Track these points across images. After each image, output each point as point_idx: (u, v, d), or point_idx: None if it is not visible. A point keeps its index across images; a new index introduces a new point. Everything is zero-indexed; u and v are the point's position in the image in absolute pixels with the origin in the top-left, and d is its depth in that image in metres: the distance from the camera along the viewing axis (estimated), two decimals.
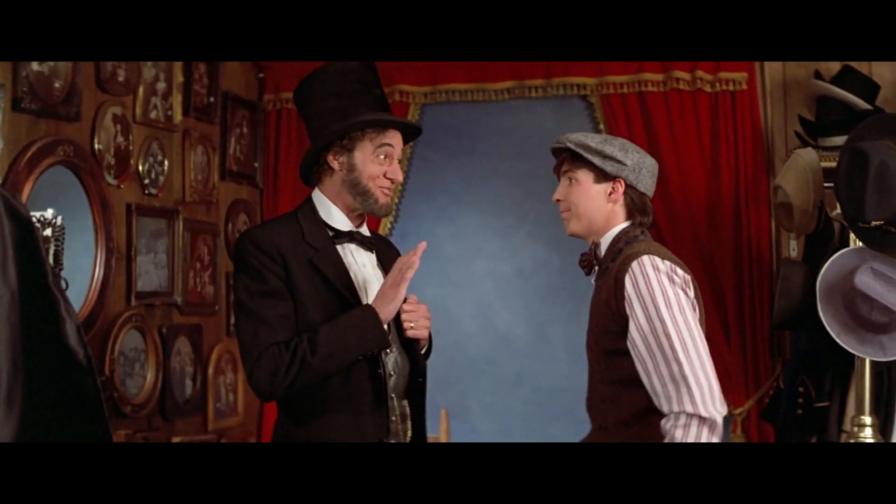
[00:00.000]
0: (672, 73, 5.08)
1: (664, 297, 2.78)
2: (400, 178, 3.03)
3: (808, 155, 4.25)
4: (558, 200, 3.08)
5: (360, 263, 3.02)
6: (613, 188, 2.98)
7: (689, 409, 2.69)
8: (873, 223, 3.57)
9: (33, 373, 2.59)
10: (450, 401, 5.34)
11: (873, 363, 3.83)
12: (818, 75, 4.85)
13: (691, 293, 2.88)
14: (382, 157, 2.96)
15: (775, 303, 4.08)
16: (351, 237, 3.01)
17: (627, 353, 2.84)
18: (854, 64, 4.76)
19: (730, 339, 4.98)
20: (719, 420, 2.72)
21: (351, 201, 2.98)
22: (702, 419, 2.69)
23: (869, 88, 4.68)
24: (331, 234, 2.98)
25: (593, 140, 3.00)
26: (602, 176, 2.98)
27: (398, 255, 3.19)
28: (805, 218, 4.16)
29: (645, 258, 2.83)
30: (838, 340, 3.71)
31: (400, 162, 3.07)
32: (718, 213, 5.03)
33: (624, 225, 3.01)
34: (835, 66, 4.83)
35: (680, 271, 2.86)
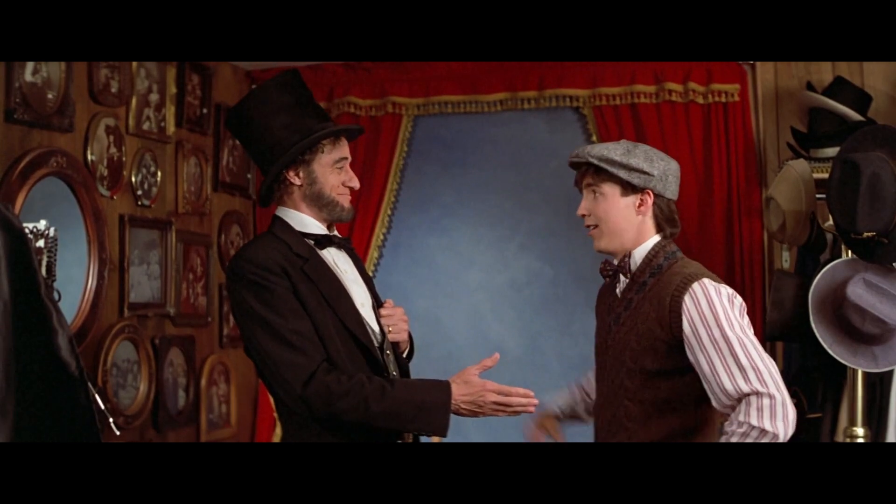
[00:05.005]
0: (664, 84, 5.09)
1: (727, 319, 2.75)
2: (357, 184, 3.05)
3: (800, 166, 4.26)
4: (583, 215, 3.01)
5: (343, 269, 3.03)
6: (642, 200, 2.93)
7: (761, 390, 2.68)
8: (865, 234, 3.57)
9: (25, 384, 2.59)
10: None
11: (865, 374, 3.83)
12: (810, 87, 4.87)
13: (746, 319, 2.85)
14: (340, 167, 2.99)
15: (767, 314, 4.08)
16: (330, 241, 3.02)
17: (669, 374, 2.83)
18: (846, 76, 4.78)
19: None
20: (787, 431, 2.68)
21: (317, 212, 3.00)
22: (765, 432, 2.66)
23: (861, 100, 4.70)
24: (311, 242, 2.98)
25: (616, 152, 2.92)
26: (629, 188, 2.93)
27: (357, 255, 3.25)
28: (797, 229, 4.17)
29: (706, 282, 2.80)
30: (830, 351, 3.71)
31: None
32: (711, 224, 5.04)
33: (657, 238, 2.96)
34: (827, 78, 4.85)
35: (738, 297, 2.84)
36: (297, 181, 2.97)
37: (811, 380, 4.19)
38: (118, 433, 3.17)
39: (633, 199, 2.94)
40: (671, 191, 2.96)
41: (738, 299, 2.83)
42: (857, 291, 3.60)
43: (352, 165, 3.08)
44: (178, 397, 4.79)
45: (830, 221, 3.94)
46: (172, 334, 4.76)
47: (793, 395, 4.20)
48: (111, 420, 3.04)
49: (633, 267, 2.96)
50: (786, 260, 4.93)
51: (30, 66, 3.77)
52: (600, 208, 2.96)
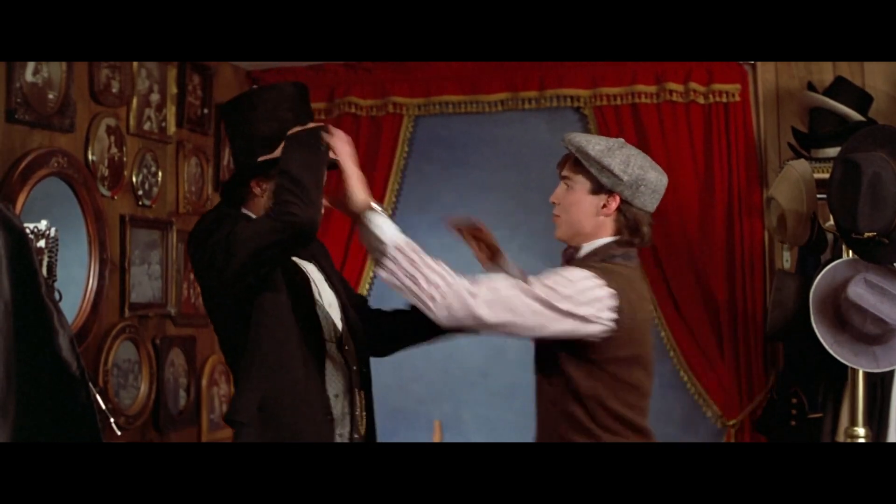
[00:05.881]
0: (665, 84, 5.09)
1: (545, 276, 2.82)
2: None
3: (801, 166, 4.26)
4: (554, 203, 3.01)
5: (306, 269, 3.08)
6: (607, 202, 2.90)
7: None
8: (866, 234, 3.57)
9: (26, 384, 2.59)
10: (444, 412, 5.33)
11: (866, 374, 3.83)
12: (811, 87, 4.87)
13: (592, 328, 2.78)
14: None
15: (768, 314, 4.08)
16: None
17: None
18: (846, 76, 4.78)
19: (723, 351, 4.99)
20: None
21: None
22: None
23: (862, 100, 4.69)
24: None
25: (595, 148, 2.89)
26: (598, 187, 2.90)
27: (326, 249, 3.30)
28: (798, 229, 4.17)
29: (574, 268, 2.84)
30: (831, 352, 3.71)
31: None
32: (712, 225, 5.04)
33: (608, 239, 2.93)
34: (828, 78, 4.84)
35: (598, 290, 2.78)
36: (259, 192, 2.99)
37: (812, 380, 4.19)
38: (119, 433, 3.17)
39: (599, 199, 2.91)
40: (642, 202, 2.90)
41: (607, 303, 2.79)
42: (858, 291, 3.60)
43: None
44: (179, 397, 4.79)
45: (831, 221, 3.94)
46: (173, 334, 4.76)
47: (793, 395, 4.23)
48: (112, 420, 3.04)
49: (578, 261, 2.96)
50: (787, 260, 4.93)
51: (31, 66, 3.77)
52: (568, 199, 2.96)
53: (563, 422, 2.86)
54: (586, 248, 2.96)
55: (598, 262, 2.90)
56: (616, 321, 2.79)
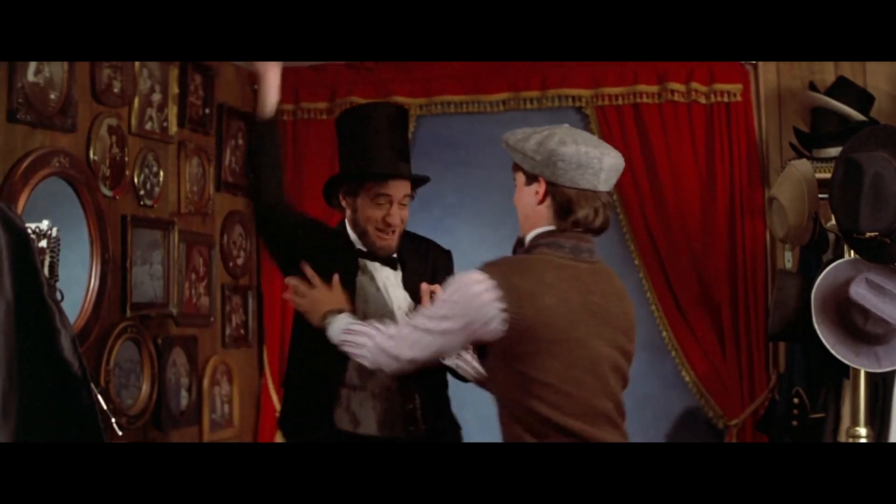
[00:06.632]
0: (667, 84, 5.09)
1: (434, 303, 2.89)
2: (397, 221, 3.24)
3: (802, 166, 4.26)
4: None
5: (381, 283, 3.35)
6: (539, 189, 2.77)
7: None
8: (868, 234, 3.57)
9: (28, 384, 2.59)
10: None
11: (868, 374, 3.83)
12: (813, 86, 4.87)
13: (489, 328, 2.69)
14: (380, 203, 3.23)
15: (770, 314, 4.08)
16: (374, 257, 3.33)
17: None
18: (848, 75, 4.77)
19: (725, 351, 4.99)
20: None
21: (357, 237, 3.31)
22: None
23: (863, 100, 4.69)
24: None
25: (515, 136, 2.81)
26: (529, 176, 2.80)
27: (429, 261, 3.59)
28: (800, 229, 4.17)
29: (472, 272, 2.75)
30: (833, 352, 3.71)
31: (405, 204, 3.34)
32: (713, 224, 5.04)
33: (542, 229, 2.81)
34: (829, 78, 4.84)
35: (478, 284, 2.69)
36: (345, 205, 3.30)
37: (814, 380, 4.19)
38: (120, 433, 3.18)
39: (532, 188, 2.80)
40: (567, 178, 2.71)
41: (492, 294, 2.67)
42: (860, 291, 3.60)
43: None
44: (181, 397, 4.79)
45: (833, 221, 3.94)
46: (175, 334, 4.76)
47: (795, 395, 4.23)
48: (114, 420, 3.05)
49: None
50: (788, 260, 4.93)
51: (32, 66, 3.77)
52: (515, 196, 2.91)
53: (503, 427, 2.81)
54: (527, 240, 2.89)
55: (522, 253, 2.86)
56: (506, 310, 2.66)
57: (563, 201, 2.75)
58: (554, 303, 2.68)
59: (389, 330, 2.92)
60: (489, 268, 2.74)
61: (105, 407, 2.86)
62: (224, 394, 5.17)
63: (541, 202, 2.78)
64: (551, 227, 2.79)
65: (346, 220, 3.34)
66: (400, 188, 3.27)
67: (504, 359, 2.73)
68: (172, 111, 4.78)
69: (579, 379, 2.70)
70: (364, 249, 3.34)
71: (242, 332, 5.34)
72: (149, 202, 4.57)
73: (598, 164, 2.71)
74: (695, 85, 5.07)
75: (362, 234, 3.27)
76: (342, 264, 3.25)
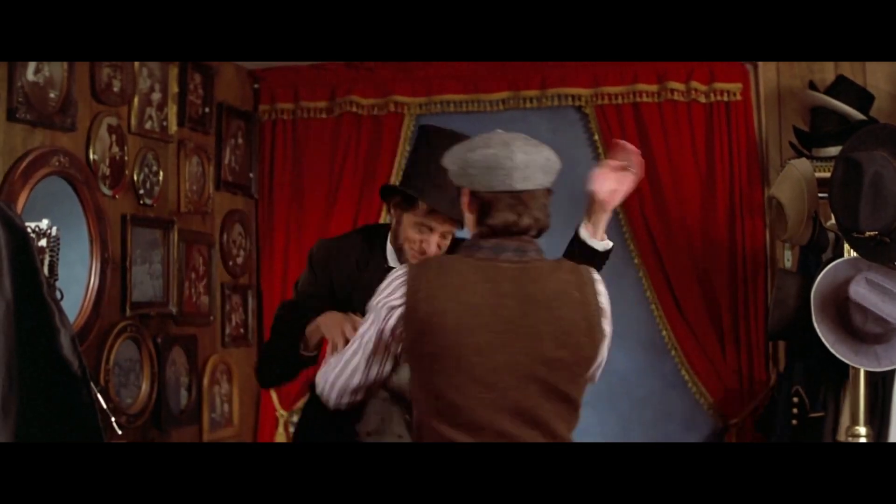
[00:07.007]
0: (667, 83, 5.09)
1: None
2: (431, 251, 3.21)
3: (802, 165, 4.26)
4: None
5: None
6: (464, 199, 2.69)
7: None
8: (867, 233, 3.57)
9: (28, 383, 2.59)
10: None
11: (868, 373, 3.83)
12: (812, 86, 4.87)
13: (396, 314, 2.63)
14: (423, 229, 3.19)
15: (770, 313, 4.08)
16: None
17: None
18: (848, 75, 4.77)
19: (724, 349, 4.99)
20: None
21: (393, 251, 3.30)
22: None
23: (863, 99, 4.69)
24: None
25: (447, 154, 2.73)
26: (459, 187, 2.72)
27: None
28: (799, 228, 4.17)
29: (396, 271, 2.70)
30: (833, 351, 3.71)
31: (447, 238, 3.23)
32: (713, 224, 5.04)
33: (467, 236, 2.75)
34: (829, 77, 4.85)
35: (402, 288, 2.62)
36: (393, 216, 3.28)
37: (813, 379, 4.19)
38: (120, 432, 3.18)
39: (464, 198, 2.70)
40: (483, 183, 2.62)
41: (387, 291, 2.64)
42: (860, 291, 3.60)
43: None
44: (181, 397, 4.79)
45: (833, 220, 3.94)
46: (175, 333, 4.76)
47: (795, 394, 4.23)
48: (113, 419, 3.04)
49: None
50: (788, 259, 4.93)
51: (32, 65, 3.77)
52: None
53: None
54: None
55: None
56: (404, 305, 2.59)
57: (481, 206, 2.65)
58: (450, 308, 2.56)
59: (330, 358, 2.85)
60: (412, 265, 2.71)
61: (105, 406, 2.86)
62: (224, 393, 5.17)
63: (469, 210, 2.70)
64: (472, 235, 2.72)
65: (390, 230, 3.31)
66: (447, 225, 3.24)
67: (409, 363, 2.67)
68: (172, 110, 4.78)
69: (466, 388, 2.55)
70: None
71: (242, 331, 5.34)
72: (148, 201, 4.57)
73: (509, 163, 2.61)
74: (695, 84, 5.07)
75: (399, 250, 3.25)
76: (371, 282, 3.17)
